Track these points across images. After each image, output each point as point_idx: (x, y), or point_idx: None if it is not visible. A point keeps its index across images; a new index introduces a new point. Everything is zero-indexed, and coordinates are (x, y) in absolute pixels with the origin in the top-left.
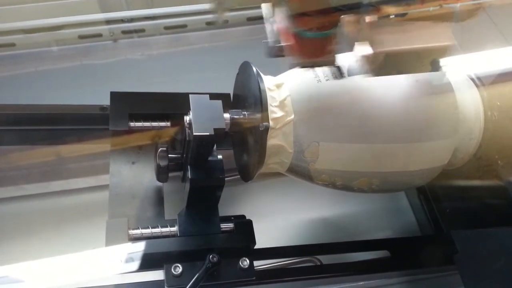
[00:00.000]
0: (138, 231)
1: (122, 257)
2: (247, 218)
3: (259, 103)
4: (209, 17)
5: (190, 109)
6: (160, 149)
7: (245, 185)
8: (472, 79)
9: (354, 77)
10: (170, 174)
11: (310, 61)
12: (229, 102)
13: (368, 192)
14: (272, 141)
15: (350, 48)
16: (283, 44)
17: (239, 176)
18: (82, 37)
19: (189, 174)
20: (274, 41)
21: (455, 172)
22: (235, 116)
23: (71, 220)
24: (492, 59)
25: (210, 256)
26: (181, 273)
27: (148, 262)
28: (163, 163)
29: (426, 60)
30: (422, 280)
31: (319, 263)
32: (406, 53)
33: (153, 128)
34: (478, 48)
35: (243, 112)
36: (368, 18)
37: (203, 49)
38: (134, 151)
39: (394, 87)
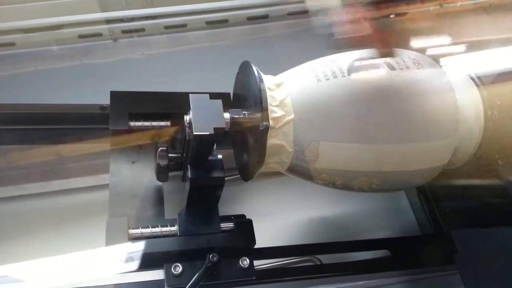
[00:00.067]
0: (138, 231)
1: (122, 257)
2: (247, 217)
3: (259, 102)
4: (209, 16)
5: (190, 109)
6: (160, 148)
7: (245, 184)
8: (472, 78)
9: (354, 76)
10: (170, 174)
11: (387, 51)
12: (229, 101)
13: (368, 191)
14: (272, 140)
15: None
16: (353, 35)
17: (239, 176)
18: (82, 36)
19: (189, 174)
20: (340, 32)
21: (455, 171)
22: (235, 116)
23: (71, 219)
24: (492, 59)
25: (210, 256)
26: (181, 272)
27: (148, 262)
28: (163, 162)
29: None
30: (422, 280)
31: (319, 263)
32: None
33: (153, 127)
34: (478, 48)
35: (243, 112)
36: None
37: (203, 48)
38: (134, 151)
39: (394, 86)
